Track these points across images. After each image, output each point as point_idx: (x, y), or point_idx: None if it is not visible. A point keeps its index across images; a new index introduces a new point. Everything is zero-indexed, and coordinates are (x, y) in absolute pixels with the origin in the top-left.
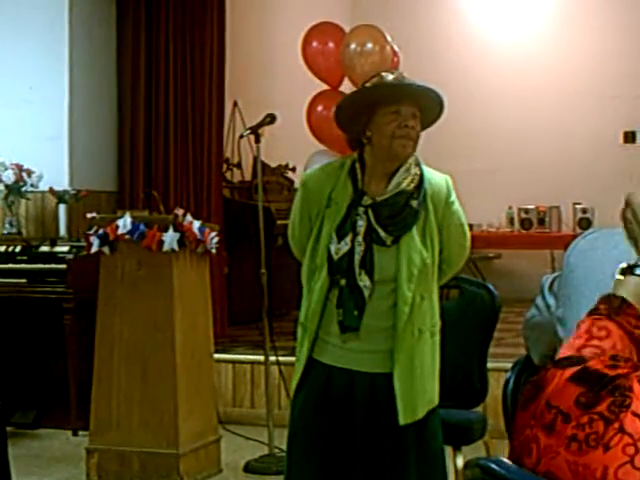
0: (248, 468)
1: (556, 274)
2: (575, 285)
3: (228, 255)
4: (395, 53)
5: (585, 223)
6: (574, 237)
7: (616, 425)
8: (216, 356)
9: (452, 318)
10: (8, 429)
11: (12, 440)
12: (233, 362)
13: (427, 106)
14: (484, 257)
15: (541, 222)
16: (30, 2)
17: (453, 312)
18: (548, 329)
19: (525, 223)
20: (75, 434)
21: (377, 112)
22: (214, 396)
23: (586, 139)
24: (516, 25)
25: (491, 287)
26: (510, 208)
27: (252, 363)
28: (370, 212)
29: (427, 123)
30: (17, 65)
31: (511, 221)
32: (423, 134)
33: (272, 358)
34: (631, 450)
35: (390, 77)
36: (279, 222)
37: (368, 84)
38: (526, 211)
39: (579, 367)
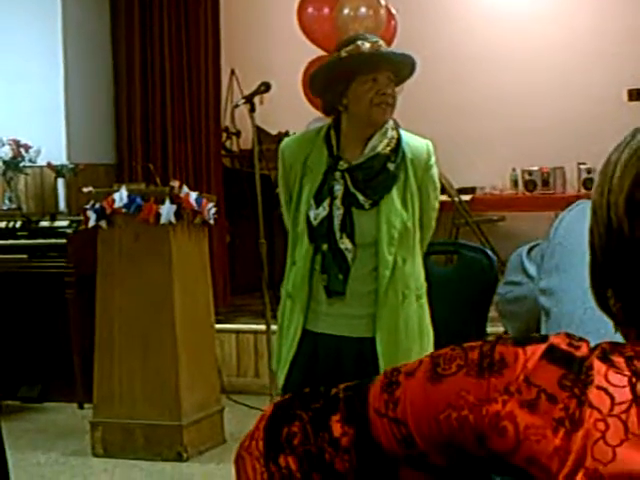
0: None
1: (532, 244)
2: (563, 257)
3: (230, 224)
4: (392, 16)
5: (590, 183)
6: (578, 198)
7: (584, 400)
8: (219, 326)
9: (450, 284)
10: (14, 403)
11: (18, 414)
12: (236, 332)
13: (401, 69)
14: (488, 220)
15: (545, 183)
16: None
17: (451, 277)
18: (528, 301)
19: (529, 185)
20: (80, 407)
21: (354, 80)
22: (216, 367)
23: (589, 98)
24: None
25: (489, 252)
26: (514, 170)
27: (255, 333)
28: (347, 176)
29: (397, 83)
30: (11, 39)
31: (515, 183)
32: (425, 97)
33: (274, 327)
34: (602, 426)
35: (367, 45)
36: (278, 190)
37: (344, 53)
38: (530, 173)
39: (546, 345)
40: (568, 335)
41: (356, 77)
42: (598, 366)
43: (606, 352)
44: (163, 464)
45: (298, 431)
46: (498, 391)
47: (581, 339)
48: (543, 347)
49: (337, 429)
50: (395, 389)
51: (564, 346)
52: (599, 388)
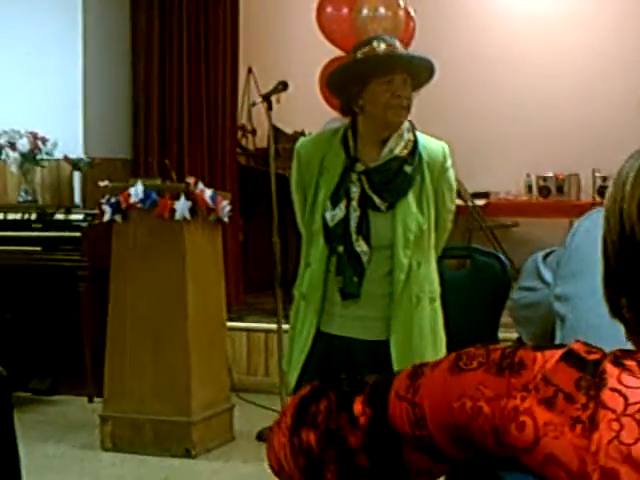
0: (261, 436)
1: (547, 250)
2: (579, 263)
3: (244, 222)
4: (410, 17)
5: (605, 191)
6: (593, 205)
7: (598, 402)
8: (230, 324)
9: (463, 288)
10: (24, 395)
11: (28, 407)
12: (247, 330)
13: (418, 72)
14: (502, 225)
15: (560, 190)
16: None
17: (464, 282)
18: (543, 307)
19: (543, 191)
20: (90, 401)
21: (370, 82)
22: (227, 365)
23: (605, 105)
24: None
25: (502, 257)
26: (528, 176)
27: (266, 331)
28: (363, 178)
29: (416, 86)
30: (30, 33)
31: (529, 189)
32: (441, 101)
33: (286, 326)
34: (616, 426)
35: (382, 46)
36: None
37: (360, 55)
38: (544, 179)
39: (564, 350)
40: (585, 344)
41: (372, 79)
42: (611, 369)
43: (618, 357)
44: (171, 460)
45: (324, 408)
46: (516, 389)
47: (597, 348)
48: (562, 351)
49: (358, 408)
50: (419, 377)
51: (581, 352)
52: (613, 390)
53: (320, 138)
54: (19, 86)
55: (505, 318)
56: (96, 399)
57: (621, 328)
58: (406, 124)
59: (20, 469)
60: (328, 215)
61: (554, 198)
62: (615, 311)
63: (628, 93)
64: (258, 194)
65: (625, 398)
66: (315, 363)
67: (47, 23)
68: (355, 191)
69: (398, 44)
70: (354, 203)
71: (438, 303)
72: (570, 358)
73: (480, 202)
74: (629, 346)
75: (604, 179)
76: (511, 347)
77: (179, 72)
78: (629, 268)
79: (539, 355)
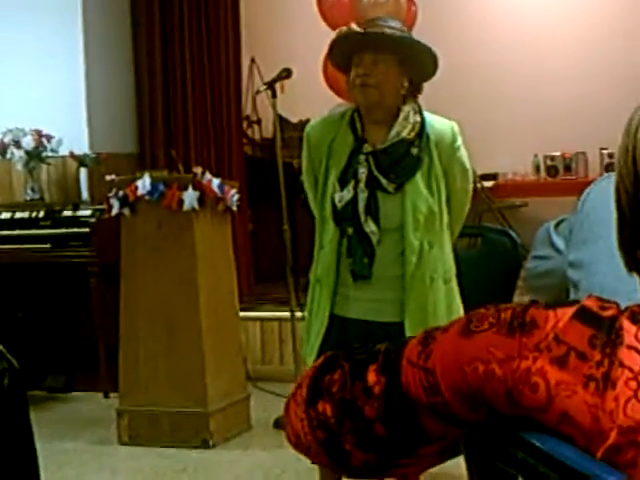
0: (278, 424)
1: (559, 218)
2: (591, 229)
3: (252, 212)
4: (412, 2)
5: (612, 168)
6: None
7: (614, 360)
8: (243, 314)
9: (475, 267)
10: (40, 394)
11: (44, 404)
12: (261, 319)
13: (405, 53)
14: (511, 206)
15: (567, 169)
16: None
17: (475, 260)
18: (557, 275)
19: (551, 170)
20: (106, 396)
21: (351, 63)
22: (242, 354)
23: (610, 82)
24: None
25: (512, 234)
26: (535, 156)
27: (279, 320)
28: (371, 159)
29: (421, 70)
30: (33, 31)
31: (537, 169)
32: (445, 84)
33: (299, 314)
34: (633, 384)
35: (358, 28)
36: (302, 177)
37: (335, 36)
38: (552, 158)
39: (577, 307)
40: (599, 299)
41: (351, 60)
42: (628, 326)
43: (635, 313)
44: (189, 451)
45: (338, 379)
46: (528, 349)
47: (611, 302)
48: (574, 308)
49: (372, 378)
50: (430, 342)
51: (595, 308)
52: (630, 347)
53: (329, 121)
54: (23, 84)
55: (518, 298)
56: (111, 394)
57: (637, 289)
58: (411, 105)
59: (38, 465)
60: (337, 196)
61: (562, 177)
62: (632, 264)
63: (633, 70)
64: (265, 184)
65: None
66: (330, 346)
67: (49, 22)
68: (363, 172)
69: (394, 24)
70: (361, 184)
71: (454, 283)
72: (583, 315)
73: (488, 184)
74: None
75: (611, 156)
76: (522, 305)
77: (182, 65)
78: None
79: (551, 313)
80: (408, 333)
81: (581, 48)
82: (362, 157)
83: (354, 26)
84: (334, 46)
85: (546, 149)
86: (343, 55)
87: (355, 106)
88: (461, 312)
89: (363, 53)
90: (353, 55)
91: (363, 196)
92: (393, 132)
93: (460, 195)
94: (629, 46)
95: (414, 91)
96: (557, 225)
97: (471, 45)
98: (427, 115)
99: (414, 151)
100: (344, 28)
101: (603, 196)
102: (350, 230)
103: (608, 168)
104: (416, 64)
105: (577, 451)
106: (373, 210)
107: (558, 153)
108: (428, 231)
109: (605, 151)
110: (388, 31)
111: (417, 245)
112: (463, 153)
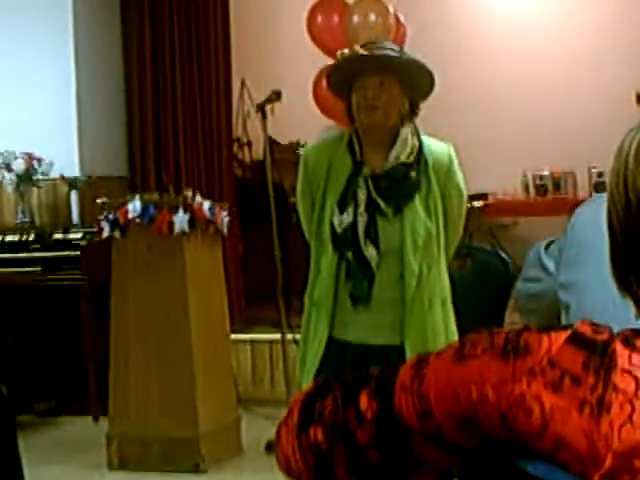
0: (270, 447)
1: (549, 240)
2: (581, 250)
3: (243, 234)
4: (400, 23)
5: (601, 187)
6: None
7: (608, 383)
8: (234, 336)
9: (465, 287)
10: (30, 418)
11: (33, 428)
12: (252, 342)
13: (405, 74)
14: (501, 225)
15: (556, 188)
16: None
17: (466, 281)
18: (547, 297)
19: (540, 189)
20: (96, 420)
21: (352, 87)
22: (232, 377)
23: (599, 101)
24: None
25: (502, 254)
26: (524, 175)
27: (270, 342)
28: (370, 183)
29: (415, 90)
30: (22, 53)
31: (526, 188)
32: (434, 103)
33: (290, 336)
34: (628, 408)
35: (362, 50)
36: (292, 199)
37: (337, 60)
38: (541, 177)
39: (570, 331)
40: (592, 323)
41: (353, 83)
42: (621, 350)
43: (628, 337)
44: (181, 476)
45: (330, 404)
46: (522, 373)
47: (604, 326)
48: (568, 333)
49: (364, 403)
50: (423, 367)
51: (589, 333)
52: (623, 371)
53: (326, 144)
54: (13, 107)
55: (509, 318)
56: (101, 418)
57: (629, 312)
58: (409, 128)
59: None
60: (336, 220)
61: (552, 196)
62: (625, 287)
63: (622, 89)
64: (255, 206)
65: (636, 380)
66: (329, 370)
67: (39, 43)
68: (362, 195)
69: (393, 46)
70: (361, 208)
71: (449, 304)
72: (577, 339)
73: (478, 204)
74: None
75: (600, 175)
76: (515, 330)
77: (172, 86)
78: (636, 241)
79: (545, 337)
80: (408, 356)
81: (569, 67)
82: (361, 180)
83: (358, 48)
84: (336, 69)
85: (535, 168)
86: (344, 78)
87: (353, 129)
88: (456, 334)
89: (367, 76)
90: (355, 78)
91: (362, 220)
92: (392, 155)
93: (455, 218)
94: (618, 65)
95: (412, 112)
96: (547, 246)
97: (459, 65)
98: (424, 138)
99: (413, 175)
100: (345, 51)
101: (593, 217)
102: (349, 254)
103: (597, 187)
104: (415, 85)
105: (571, 478)
106: (373, 234)
107: (547, 172)
108: (427, 254)
109: (594, 170)
110: (392, 53)
111: (416, 268)
112: (460, 176)
